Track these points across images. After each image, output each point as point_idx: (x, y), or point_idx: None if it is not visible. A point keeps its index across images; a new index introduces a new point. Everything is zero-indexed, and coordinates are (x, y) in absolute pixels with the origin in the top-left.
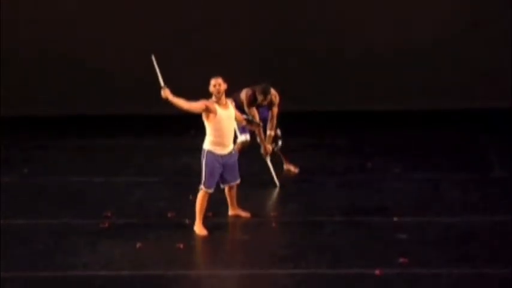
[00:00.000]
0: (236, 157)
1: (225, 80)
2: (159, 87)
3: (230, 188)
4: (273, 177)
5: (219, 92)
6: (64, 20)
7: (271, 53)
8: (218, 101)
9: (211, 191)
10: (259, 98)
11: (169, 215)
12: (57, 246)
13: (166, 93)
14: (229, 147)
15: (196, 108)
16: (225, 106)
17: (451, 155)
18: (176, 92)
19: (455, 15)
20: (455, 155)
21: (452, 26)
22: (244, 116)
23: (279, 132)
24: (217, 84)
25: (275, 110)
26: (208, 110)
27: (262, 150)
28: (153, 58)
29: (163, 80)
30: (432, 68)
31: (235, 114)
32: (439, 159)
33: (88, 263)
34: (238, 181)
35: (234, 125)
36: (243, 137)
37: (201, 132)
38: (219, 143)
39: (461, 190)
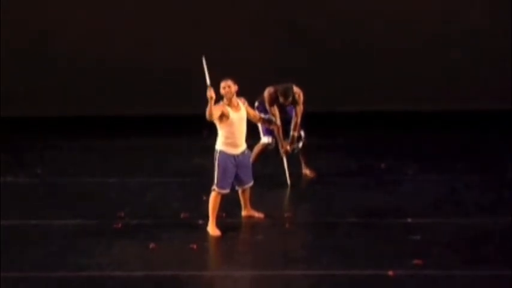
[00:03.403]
0: (249, 157)
1: (235, 82)
2: (205, 87)
3: (244, 190)
4: (286, 177)
5: (229, 94)
6: (91, 23)
7: (282, 53)
8: (229, 103)
9: (225, 191)
10: (281, 99)
11: (182, 215)
12: (71, 246)
13: (211, 92)
14: (242, 147)
15: (216, 115)
16: (237, 108)
17: (465, 156)
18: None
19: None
20: (470, 156)
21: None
22: (262, 115)
23: (302, 133)
24: (226, 86)
25: (299, 109)
26: (222, 114)
27: (280, 150)
28: (204, 60)
29: (210, 80)
30: (446, 69)
31: (251, 113)
32: (454, 160)
33: (101, 263)
34: (251, 183)
35: (245, 126)
36: (266, 139)
37: (214, 133)
38: (232, 143)
39: (475, 191)
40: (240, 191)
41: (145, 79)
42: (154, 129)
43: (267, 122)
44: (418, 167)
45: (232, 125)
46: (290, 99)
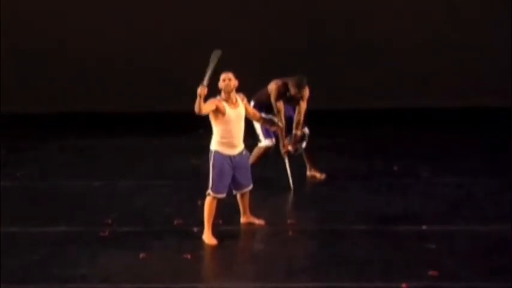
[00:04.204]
0: (248, 158)
1: (237, 77)
2: (201, 82)
3: (242, 194)
4: (288, 180)
5: (228, 88)
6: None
7: (285, 46)
8: (227, 99)
9: (220, 196)
10: (293, 90)
11: (175, 222)
12: (53, 256)
13: (203, 90)
14: (239, 147)
15: (206, 110)
16: (235, 104)
17: (484, 158)
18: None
19: None
20: (489, 158)
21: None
22: (263, 115)
23: (306, 130)
24: (227, 79)
25: (303, 105)
26: (216, 110)
27: (282, 150)
28: (216, 54)
29: (208, 79)
30: (465, 63)
31: (251, 111)
32: (472, 163)
33: (87, 275)
34: (250, 186)
35: (243, 125)
36: (267, 142)
37: (211, 131)
38: (228, 143)
39: (495, 196)
40: (238, 196)
41: (135, 74)
42: (146, 128)
43: (268, 122)
44: (433, 169)
45: (228, 122)
46: (303, 91)
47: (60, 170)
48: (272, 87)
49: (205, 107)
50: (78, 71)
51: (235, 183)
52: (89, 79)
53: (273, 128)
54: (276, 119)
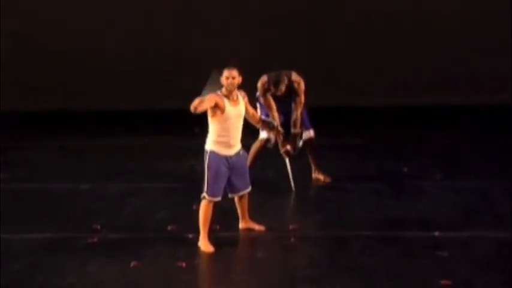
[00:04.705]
0: (245, 159)
1: (240, 73)
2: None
3: (240, 198)
4: (290, 182)
5: (231, 86)
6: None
7: (289, 39)
8: (228, 96)
9: (216, 199)
10: (272, 88)
11: (169, 228)
12: (38, 265)
13: (200, 108)
14: (237, 147)
15: (204, 108)
16: (235, 102)
17: (501, 160)
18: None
19: None
20: (506, 160)
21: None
22: (263, 117)
23: (312, 133)
24: (230, 76)
25: (299, 101)
26: (215, 106)
27: (281, 150)
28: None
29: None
30: (484, 63)
31: (250, 112)
32: (488, 164)
33: (74, 285)
34: (249, 189)
35: (241, 124)
36: (265, 134)
37: (206, 131)
38: (224, 143)
39: None
40: (236, 199)
41: (125, 70)
42: (137, 126)
43: (267, 125)
44: (446, 171)
45: (227, 120)
46: (282, 87)
47: (45, 172)
48: (258, 83)
49: (204, 105)
50: (61, 67)
51: (231, 186)
52: (75, 76)
53: (271, 132)
54: (275, 123)
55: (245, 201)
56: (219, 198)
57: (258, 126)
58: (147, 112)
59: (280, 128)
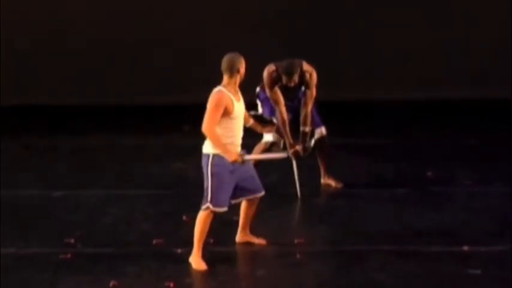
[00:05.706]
0: (250, 159)
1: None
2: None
3: (251, 203)
4: (296, 188)
5: (242, 78)
6: None
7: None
8: (232, 90)
9: (222, 210)
10: (283, 78)
11: (155, 242)
12: (3, 284)
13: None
14: (239, 147)
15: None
16: (238, 96)
17: None
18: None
19: None
20: None
21: None
22: (252, 112)
23: (323, 131)
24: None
25: (310, 94)
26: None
27: (288, 151)
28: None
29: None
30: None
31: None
32: None
33: None
34: (262, 192)
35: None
36: (269, 137)
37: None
38: (231, 144)
39: None
40: (243, 205)
41: (107, 61)
42: (119, 124)
43: (260, 121)
44: (476, 175)
45: (234, 119)
46: (295, 78)
47: (10, 176)
48: (264, 74)
49: (217, 118)
50: (31, 60)
51: (238, 189)
52: (49, 68)
53: (266, 129)
54: (272, 118)
55: (254, 208)
56: (225, 209)
57: (249, 124)
58: (128, 107)
59: (284, 117)
